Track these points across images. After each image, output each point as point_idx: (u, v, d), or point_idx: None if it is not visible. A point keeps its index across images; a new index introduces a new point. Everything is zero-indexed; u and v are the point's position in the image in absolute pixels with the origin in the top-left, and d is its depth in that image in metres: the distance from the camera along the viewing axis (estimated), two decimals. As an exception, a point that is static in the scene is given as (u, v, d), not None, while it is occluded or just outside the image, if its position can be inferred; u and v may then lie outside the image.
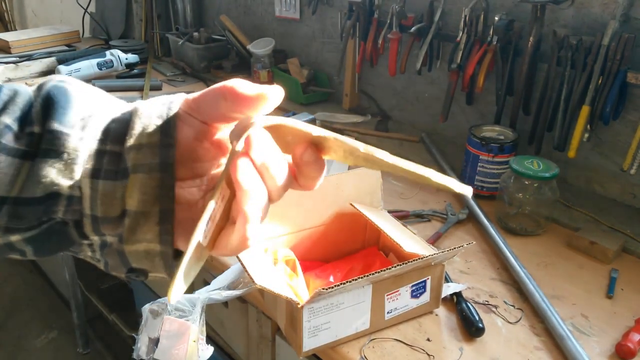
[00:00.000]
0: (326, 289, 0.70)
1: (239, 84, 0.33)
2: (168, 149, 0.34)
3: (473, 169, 1.20)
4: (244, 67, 1.97)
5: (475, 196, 1.18)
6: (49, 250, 0.37)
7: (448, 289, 0.89)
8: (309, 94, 1.76)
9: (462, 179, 1.23)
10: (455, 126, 1.49)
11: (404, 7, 1.44)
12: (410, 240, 0.85)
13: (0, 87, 0.35)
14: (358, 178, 0.94)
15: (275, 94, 0.33)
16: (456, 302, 0.88)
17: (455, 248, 0.78)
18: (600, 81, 1.10)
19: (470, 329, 0.82)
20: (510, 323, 0.85)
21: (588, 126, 1.14)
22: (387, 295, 0.80)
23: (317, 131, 0.34)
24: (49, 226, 0.35)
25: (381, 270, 0.74)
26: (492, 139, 1.19)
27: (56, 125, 0.33)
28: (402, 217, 1.11)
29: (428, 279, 0.83)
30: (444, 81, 1.45)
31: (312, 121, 1.31)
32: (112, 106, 0.37)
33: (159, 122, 0.35)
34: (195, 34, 2.06)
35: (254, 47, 1.83)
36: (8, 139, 0.33)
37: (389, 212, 0.98)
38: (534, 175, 1.04)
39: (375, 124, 1.58)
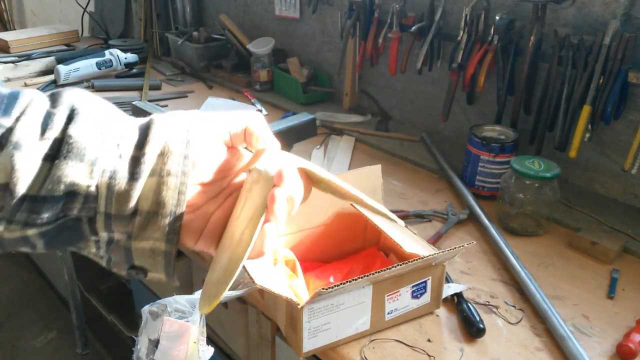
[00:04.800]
0: (326, 289, 0.69)
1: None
2: (187, 159, 0.39)
3: (474, 169, 1.19)
4: (244, 66, 1.96)
5: (476, 196, 1.17)
6: (59, 244, 0.40)
7: (449, 290, 0.88)
8: (309, 94, 1.76)
9: (463, 178, 1.23)
10: (455, 126, 1.48)
11: (404, 6, 1.44)
12: (410, 241, 0.84)
13: (19, 92, 0.38)
14: (358, 178, 0.93)
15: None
16: (457, 302, 0.87)
17: (455, 248, 0.78)
18: (601, 81, 1.09)
19: (471, 329, 0.82)
20: (511, 324, 0.85)
21: (589, 126, 1.13)
22: (387, 296, 0.80)
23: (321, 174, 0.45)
24: (63, 221, 0.38)
25: (381, 271, 0.73)
26: (493, 138, 1.18)
27: (77, 132, 0.37)
28: (403, 217, 1.11)
29: (429, 279, 0.83)
30: (445, 81, 1.44)
31: (312, 121, 1.30)
32: (125, 117, 0.42)
33: (184, 135, 0.40)
34: (195, 33, 2.06)
35: (254, 47, 1.83)
36: (29, 142, 0.36)
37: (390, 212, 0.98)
38: (535, 175, 1.03)
39: (376, 124, 1.57)
